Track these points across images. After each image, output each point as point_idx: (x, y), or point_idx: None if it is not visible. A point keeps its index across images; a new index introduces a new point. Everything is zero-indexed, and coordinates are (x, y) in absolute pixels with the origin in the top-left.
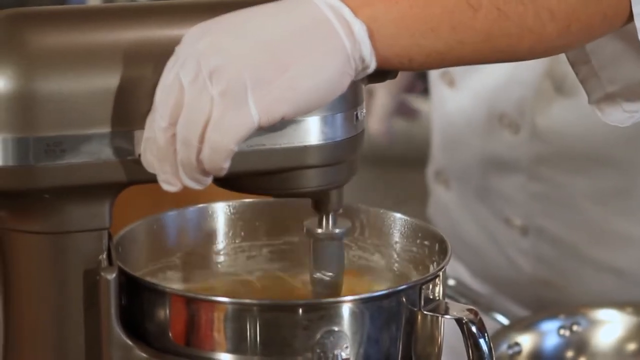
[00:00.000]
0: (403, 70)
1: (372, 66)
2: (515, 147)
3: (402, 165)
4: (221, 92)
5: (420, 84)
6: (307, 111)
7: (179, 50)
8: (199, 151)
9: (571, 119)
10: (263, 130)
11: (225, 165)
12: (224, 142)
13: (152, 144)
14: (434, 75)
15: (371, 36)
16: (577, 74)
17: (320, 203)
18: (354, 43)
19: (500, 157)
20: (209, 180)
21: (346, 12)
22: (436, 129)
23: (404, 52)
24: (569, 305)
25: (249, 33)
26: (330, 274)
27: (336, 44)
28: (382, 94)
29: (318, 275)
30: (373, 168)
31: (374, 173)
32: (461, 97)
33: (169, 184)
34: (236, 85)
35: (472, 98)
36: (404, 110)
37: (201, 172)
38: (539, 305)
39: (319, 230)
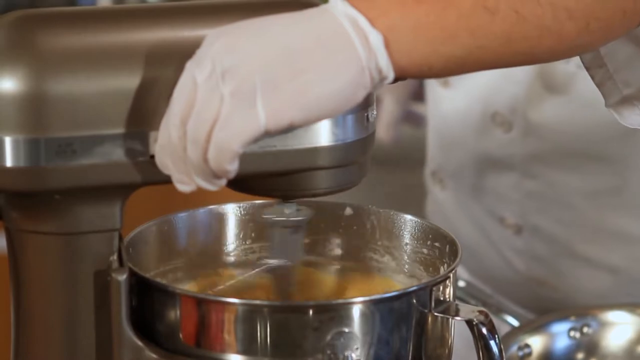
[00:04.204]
0: (424, 79)
1: (390, 76)
2: (508, 146)
3: (401, 166)
4: (231, 92)
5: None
6: (316, 120)
7: (198, 51)
8: (206, 151)
9: (563, 117)
10: (271, 135)
11: (230, 168)
12: (229, 143)
13: (166, 143)
14: None
15: (388, 46)
16: (593, 77)
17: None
18: (369, 54)
19: (494, 156)
20: (221, 181)
21: (363, 22)
22: (432, 129)
23: (423, 60)
24: (577, 307)
25: (265, 38)
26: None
27: (351, 54)
28: (389, 102)
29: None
30: (372, 168)
31: (372, 173)
32: (455, 97)
33: (183, 184)
34: (247, 86)
35: (466, 97)
36: (410, 118)
37: (210, 173)
38: (534, 303)
39: (275, 218)
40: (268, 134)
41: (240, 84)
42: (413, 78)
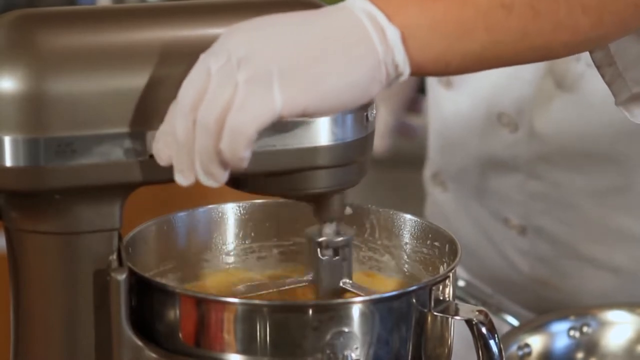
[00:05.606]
0: (440, 76)
1: (406, 73)
2: (513, 146)
3: (399, 167)
4: (247, 78)
5: (421, 102)
6: (329, 110)
7: (214, 45)
8: (219, 139)
9: (570, 117)
10: (283, 119)
11: (245, 155)
12: (244, 127)
13: (170, 133)
14: (430, 77)
15: (405, 42)
16: (603, 76)
17: (321, 210)
18: (386, 49)
19: (499, 157)
20: (223, 176)
21: (381, 17)
22: (433, 131)
23: (440, 57)
24: (577, 306)
25: (283, 31)
26: (336, 282)
27: (369, 48)
28: (383, 112)
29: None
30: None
31: (372, 173)
32: (458, 98)
33: (183, 177)
34: (263, 72)
35: (469, 98)
36: (404, 130)
37: (220, 164)
38: (537, 305)
39: (320, 239)
40: (281, 120)
41: (256, 70)
42: (430, 75)
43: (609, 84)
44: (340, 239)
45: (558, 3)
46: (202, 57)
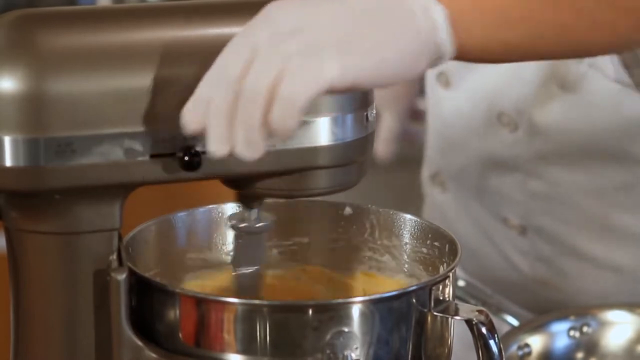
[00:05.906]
0: (482, 63)
1: (449, 52)
2: (513, 146)
3: (398, 168)
4: (299, 48)
5: (423, 109)
6: (380, 82)
7: (253, 20)
8: (267, 109)
9: (570, 117)
10: (334, 93)
11: (294, 125)
12: (296, 96)
13: (206, 102)
14: (430, 77)
15: (450, 22)
16: (632, 76)
17: (245, 197)
18: (432, 27)
19: (498, 156)
20: (264, 147)
21: None
22: (432, 131)
23: (482, 44)
24: (577, 306)
25: (330, 6)
26: (250, 268)
27: (414, 25)
28: (388, 118)
29: (239, 269)
30: (371, 168)
31: (372, 173)
32: (457, 98)
33: (219, 146)
34: (316, 42)
35: (469, 98)
36: (408, 136)
37: (264, 134)
38: (537, 305)
39: (241, 225)
40: (330, 92)
41: (308, 40)
42: (473, 61)
43: (637, 85)
44: (261, 224)
45: (599, 2)
46: (244, 30)
